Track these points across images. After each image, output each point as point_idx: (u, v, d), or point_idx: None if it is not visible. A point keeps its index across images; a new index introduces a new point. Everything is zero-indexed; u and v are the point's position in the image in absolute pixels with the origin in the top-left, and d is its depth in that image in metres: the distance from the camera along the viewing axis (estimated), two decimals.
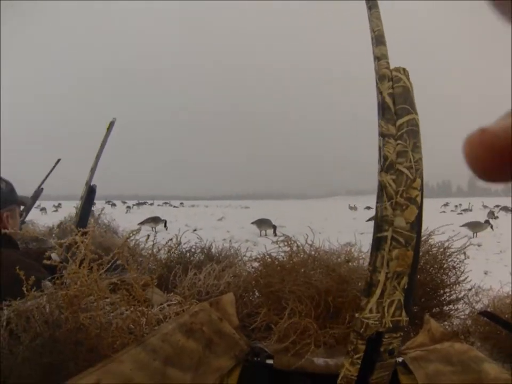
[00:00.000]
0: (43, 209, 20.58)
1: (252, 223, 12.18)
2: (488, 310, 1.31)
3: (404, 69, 0.70)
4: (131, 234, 1.06)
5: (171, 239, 1.55)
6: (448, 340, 1.01)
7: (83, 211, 1.84)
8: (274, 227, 10.98)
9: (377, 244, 0.63)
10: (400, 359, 0.94)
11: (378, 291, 0.63)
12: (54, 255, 1.14)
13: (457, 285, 1.40)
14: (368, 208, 24.03)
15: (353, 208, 26.47)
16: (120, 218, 5.18)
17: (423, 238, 1.43)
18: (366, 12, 0.75)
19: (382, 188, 0.63)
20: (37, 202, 3.11)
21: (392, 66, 0.70)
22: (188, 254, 1.67)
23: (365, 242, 1.21)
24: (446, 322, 1.36)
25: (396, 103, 0.67)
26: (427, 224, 1.57)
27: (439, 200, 49.28)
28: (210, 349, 0.90)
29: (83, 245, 0.92)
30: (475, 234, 10.92)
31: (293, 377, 0.94)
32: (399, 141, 0.65)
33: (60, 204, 27.96)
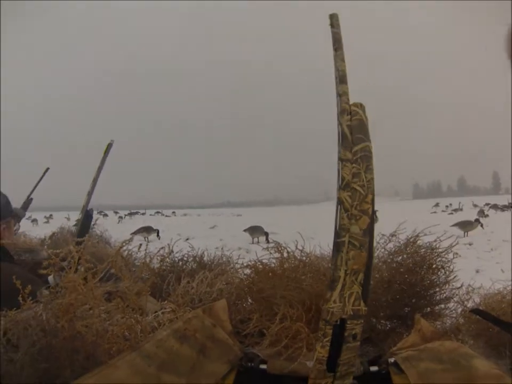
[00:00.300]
0: (34, 220, 20.23)
1: (244, 230, 12.12)
2: (480, 307, 1.33)
3: (361, 104, 0.81)
4: (124, 244, 1.07)
5: (162, 247, 1.56)
6: (438, 339, 1.04)
7: (80, 236, 1.83)
8: (267, 234, 10.90)
9: (337, 247, 0.74)
10: (392, 360, 0.96)
11: (339, 285, 0.73)
12: (50, 278, 1.15)
13: (447, 284, 1.42)
14: None
15: None
16: (112, 228, 5.14)
17: (411, 239, 1.47)
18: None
19: (340, 202, 0.75)
20: (28, 214, 3.08)
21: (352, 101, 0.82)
22: (181, 263, 1.68)
23: None
24: (438, 322, 1.37)
25: (353, 133, 0.78)
26: (417, 225, 1.59)
27: (430, 200, 49.34)
28: (204, 354, 0.92)
29: (77, 254, 0.93)
30: (466, 233, 10.97)
31: (287, 380, 0.95)
32: (354, 165, 0.76)
33: (51, 215, 27.55)
